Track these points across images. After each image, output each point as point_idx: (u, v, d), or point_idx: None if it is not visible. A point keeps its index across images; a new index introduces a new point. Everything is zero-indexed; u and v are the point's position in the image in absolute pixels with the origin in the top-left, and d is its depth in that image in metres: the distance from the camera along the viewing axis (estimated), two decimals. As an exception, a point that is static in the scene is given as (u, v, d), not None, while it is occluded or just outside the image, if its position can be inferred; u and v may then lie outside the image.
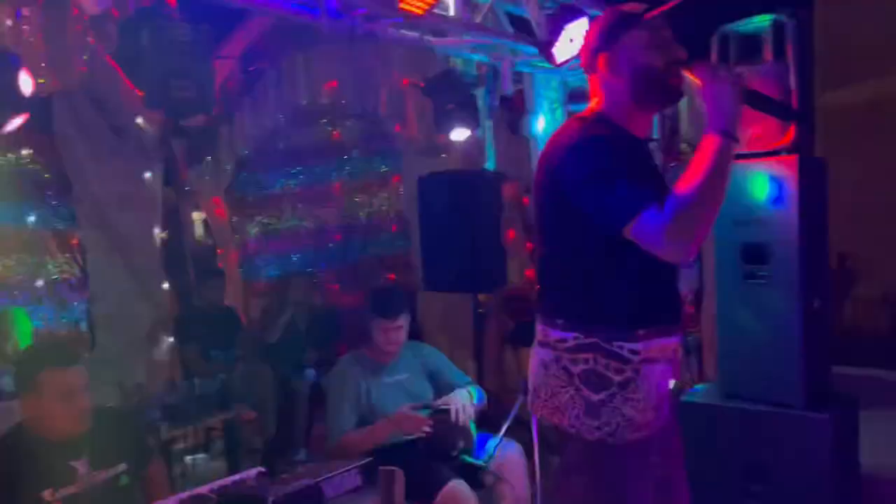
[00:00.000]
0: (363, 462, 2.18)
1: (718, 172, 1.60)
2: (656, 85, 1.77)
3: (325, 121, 5.93)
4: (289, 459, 4.20)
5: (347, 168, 6.16)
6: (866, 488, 3.56)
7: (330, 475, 2.03)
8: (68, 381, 2.24)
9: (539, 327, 1.83)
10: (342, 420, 3.09)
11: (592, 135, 1.74)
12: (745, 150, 3.42)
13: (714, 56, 3.40)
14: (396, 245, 6.40)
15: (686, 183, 1.60)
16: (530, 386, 1.87)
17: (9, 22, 1.86)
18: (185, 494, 2.14)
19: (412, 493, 2.85)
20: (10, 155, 4.42)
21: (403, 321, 3.25)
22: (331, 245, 6.14)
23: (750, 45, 3.43)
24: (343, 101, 5.77)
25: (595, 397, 1.71)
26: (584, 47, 1.89)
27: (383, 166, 6.25)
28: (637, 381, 1.71)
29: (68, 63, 1.85)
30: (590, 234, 1.72)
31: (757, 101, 1.77)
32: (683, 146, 5.54)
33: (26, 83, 1.86)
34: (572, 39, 3.00)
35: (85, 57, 1.88)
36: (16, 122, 1.87)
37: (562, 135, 1.82)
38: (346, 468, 2.12)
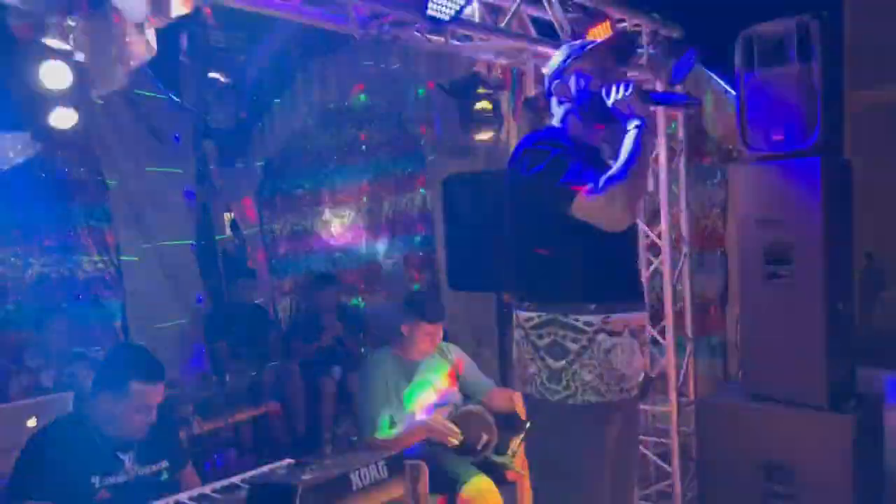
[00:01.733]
0: (389, 455, 2.22)
1: (640, 153, 1.95)
2: (594, 107, 2.08)
3: (351, 123, 6.01)
4: (316, 454, 4.28)
5: (374, 169, 6.23)
6: (890, 489, 3.56)
7: (357, 467, 2.08)
8: (153, 396, 2.38)
9: (514, 313, 2.10)
10: (373, 417, 3.15)
11: (539, 140, 2.08)
12: (769, 153, 3.45)
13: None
14: (422, 245, 6.46)
15: (616, 165, 1.95)
16: (514, 364, 2.13)
17: (55, 31, 1.95)
18: (217, 484, 2.21)
19: (436, 487, 2.91)
20: (50, 156, 4.55)
21: (443, 325, 3.32)
22: (357, 245, 6.21)
23: (774, 47, 3.44)
24: (370, 104, 5.86)
25: (556, 364, 1.97)
26: (546, 76, 2.23)
27: (409, 167, 6.31)
28: (592, 349, 1.96)
29: (111, 69, 1.94)
30: (544, 221, 2.02)
31: (658, 98, 2.18)
32: (709, 146, 5.55)
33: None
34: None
35: (130, 63, 1.96)
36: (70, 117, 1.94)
37: (525, 138, 2.16)
38: (373, 460, 2.16)
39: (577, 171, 1.95)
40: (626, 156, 1.95)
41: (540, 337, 2.01)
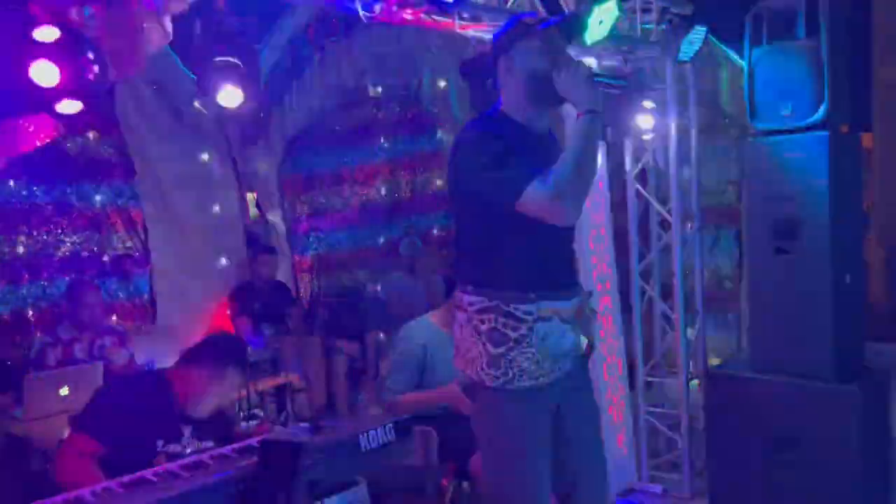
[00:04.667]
0: (398, 419, 2.33)
1: (588, 143, 1.92)
2: (543, 87, 2.01)
3: (369, 102, 6.09)
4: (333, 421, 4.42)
5: (392, 148, 6.32)
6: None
7: (365, 429, 2.18)
8: (238, 387, 2.59)
9: (456, 293, 2.12)
10: (402, 381, 3.24)
11: (483, 130, 2.03)
12: (777, 128, 3.47)
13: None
14: (440, 223, 6.56)
15: (563, 158, 1.91)
16: (455, 345, 2.16)
17: (77, 17, 2.06)
18: (236, 445, 2.34)
19: (448, 453, 3.02)
20: (77, 138, 4.71)
21: None
22: (376, 223, 6.32)
23: (784, 22, 3.45)
24: (387, 83, 5.93)
25: (495, 350, 2.01)
26: (491, 50, 2.14)
27: (426, 146, 6.39)
28: (531, 338, 2.00)
29: (130, 54, 2.04)
30: (487, 212, 2.00)
31: (606, 79, 2.07)
32: (726, 122, 5.54)
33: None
34: (602, 21, 3.08)
35: (146, 48, 2.06)
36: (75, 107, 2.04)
37: (465, 127, 2.11)
38: (382, 423, 2.27)
39: (524, 163, 1.92)
40: (575, 148, 1.91)
41: (481, 322, 2.02)
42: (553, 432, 2.13)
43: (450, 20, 2.96)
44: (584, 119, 1.93)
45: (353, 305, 5.61)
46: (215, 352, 2.59)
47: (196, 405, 2.54)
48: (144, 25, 2.08)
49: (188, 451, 2.49)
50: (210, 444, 2.57)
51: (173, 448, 2.47)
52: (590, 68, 2.00)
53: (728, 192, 5.79)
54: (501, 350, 2.00)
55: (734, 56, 5.16)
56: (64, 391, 3.46)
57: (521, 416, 2.05)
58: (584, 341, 2.18)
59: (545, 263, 2.05)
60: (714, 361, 4.61)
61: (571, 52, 2.20)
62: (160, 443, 2.45)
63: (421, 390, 3.28)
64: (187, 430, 2.53)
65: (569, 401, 2.15)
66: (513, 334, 2.00)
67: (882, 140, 4.60)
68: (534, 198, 1.88)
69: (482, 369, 2.04)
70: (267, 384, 4.34)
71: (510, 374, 2.01)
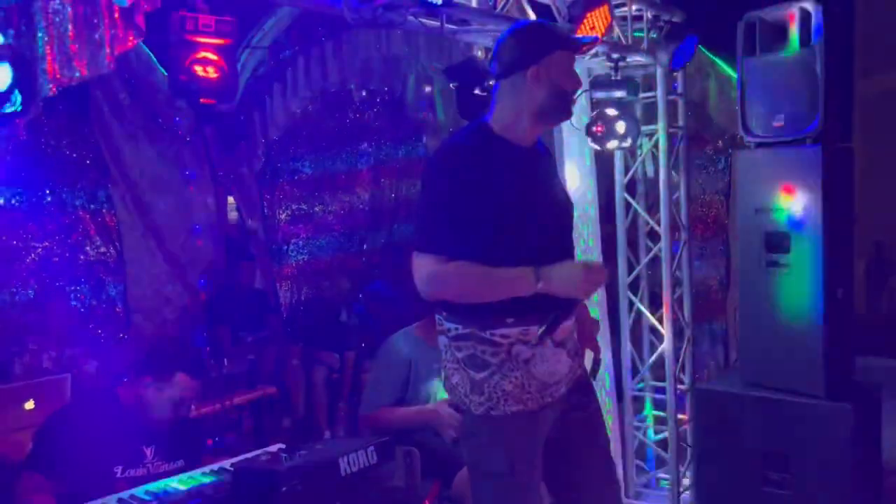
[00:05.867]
0: (380, 440, 2.23)
1: (502, 292, 1.83)
2: (562, 106, 1.93)
3: (353, 107, 5.99)
4: (314, 438, 4.31)
5: (375, 154, 6.22)
6: (892, 479, 3.55)
7: (346, 452, 2.08)
8: (192, 390, 2.42)
9: (435, 317, 2.01)
10: (382, 394, 3.13)
11: (454, 155, 1.90)
12: (769, 139, 3.42)
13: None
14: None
15: (477, 274, 1.82)
16: (440, 370, 2.07)
17: (42, 12, 1.93)
18: (206, 468, 2.22)
19: (431, 472, 2.92)
20: (50, 140, 4.55)
21: None
22: (359, 230, 6.22)
23: (777, 32, 3.40)
24: (371, 88, 5.83)
25: (477, 376, 1.90)
26: (501, 53, 1.96)
27: (410, 152, 6.30)
28: (512, 362, 1.88)
29: (99, 53, 1.93)
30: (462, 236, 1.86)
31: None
32: (713, 133, 5.50)
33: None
34: (594, 27, 3.00)
35: (114, 48, 1.94)
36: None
37: (444, 142, 2.03)
38: (363, 446, 2.17)
39: (448, 230, 1.81)
40: (492, 287, 1.82)
41: (458, 349, 1.92)
42: (555, 462, 2.01)
43: (437, 23, 2.87)
44: (530, 280, 1.81)
45: (335, 315, 5.49)
46: (161, 358, 2.45)
47: (149, 417, 2.38)
48: (117, 21, 1.96)
49: (153, 472, 2.35)
50: (180, 462, 2.44)
51: (134, 472, 2.32)
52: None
53: (714, 203, 5.76)
54: (484, 375, 1.89)
55: (723, 65, 5.12)
56: (29, 405, 3.31)
57: (508, 442, 1.93)
58: (589, 358, 2.07)
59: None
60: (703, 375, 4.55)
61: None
62: (118, 469, 2.30)
63: (404, 405, 3.18)
64: (150, 451, 2.38)
65: (569, 427, 2.03)
66: (493, 360, 1.89)
67: (861, 152, 4.59)
68: (420, 267, 1.84)
69: (466, 395, 1.93)
70: (243, 398, 4.21)
71: (494, 399, 1.90)
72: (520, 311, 1.86)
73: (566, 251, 2.01)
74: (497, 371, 1.89)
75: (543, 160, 2.05)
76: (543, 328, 1.86)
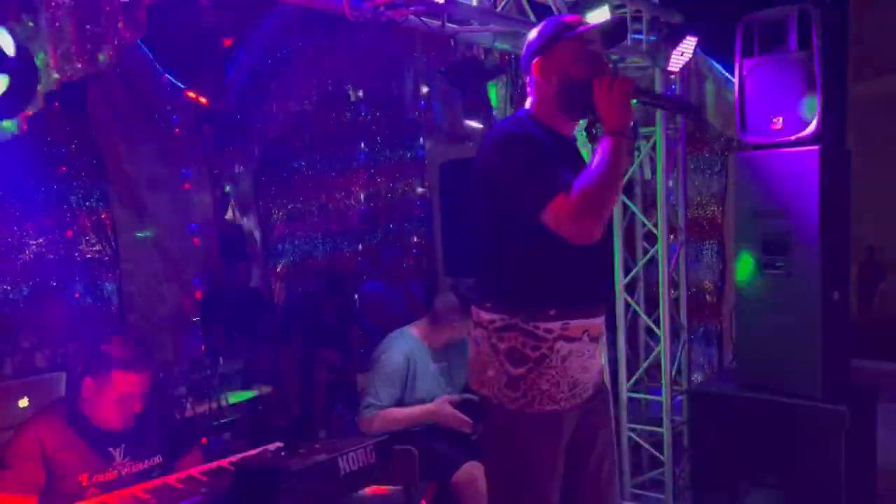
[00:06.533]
0: (379, 440, 2.22)
1: (613, 164, 1.80)
2: (578, 95, 1.92)
3: (350, 107, 5.98)
4: (309, 437, 4.28)
5: (371, 153, 6.21)
6: (885, 481, 3.56)
7: (345, 451, 2.07)
8: (136, 385, 2.30)
9: (473, 309, 2.02)
10: (383, 395, 3.14)
11: (515, 132, 1.91)
12: (767, 141, 3.42)
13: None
14: (419, 230, 6.45)
15: (588, 175, 1.80)
16: (470, 363, 2.05)
17: (44, 5, 1.92)
18: (205, 466, 2.21)
19: (427, 474, 2.91)
20: (46, 136, 4.52)
21: None
22: (355, 229, 6.20)
23: (775, 34, 3.41)
24: (368, 88, 5.82)
25: (515, 371, 1.90)
26: (524, 50, 2.03)
27: (407, 152, 6.29)
28: (552, 358, 1.90)
29: (99, 49, 1.91)
30: (510, 223, 1.90)
31: (650, 99, 2.01)
32: (710, 135, 5.51)
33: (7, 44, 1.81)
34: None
35: (115, 42, 1.93)
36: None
37: (492, 131, 2.00)
38: (362, 445, 2.16)
39: (552, 174, 1.81)
40: (603, 165, 1.79)
41: (500, 340, 1.92)
42: (568, 466, 2.01)
43: (438, 22, 2.87)
44: (612, 141, 1.81)
45: (330, 314, 5.47)
46: (98, 355, 2.34)
47: (99, 418, 2.30)
48: (116, 18, 1.95)
49: (122, 474, 2.30)
50: (157, 459, 2.40)
51: (103, 478, 2.26)
52: (632, 84, 1.86)
53: (710, 205, 5.76)
54: (521, 371, 1.89)
55: (718, 67, 5.13)
56: (23, 403, 3.28)
57: (538, 442, 1.93)
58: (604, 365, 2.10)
59: (572, 276, 1.92)
60: (696, 376, 4.56)
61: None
62: (84, 477, 2.24)
63: (402, 405, 3.18)
64: (117, 452, 2.32)
65: (586, 433, 2.03)
66: (533, 354, 1.89)
67: (853, 155, 4.61)
68: (556, 212, 1.79)
69: (500, 390, 1.93)
70: (239, 398, 4.18)
71: (529, 397, 1.90)
72: (562, 300, 1.90)
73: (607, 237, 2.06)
74: (535, 367, 1.90)
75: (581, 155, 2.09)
76: None
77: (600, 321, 1.99)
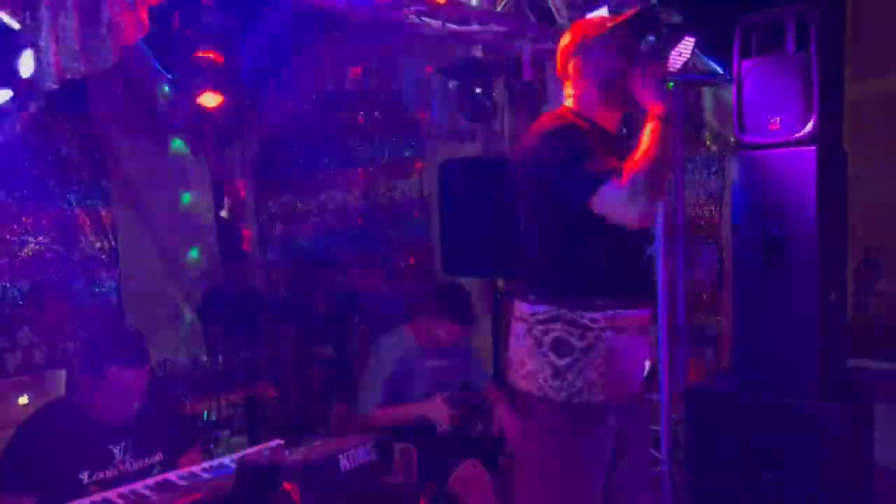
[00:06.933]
0: (379, 437, 2.23)
1: (660, 146, 1.86)
2: (616, 87, 1.98)
3: (349, 106, 5.98)
4: (309, 435, 4.30)
5: (371, 153, 6.21)
6: (882, 481, 3.57)
7: (346, 449, 2.09)
8: (133, 382, 2.30)
9: (515, 304, 2.03)
10: (374, 395, 3.15)
11: (561, 124, 1.97)
12: (765, 142, 3.44)
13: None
14: (418, 230, 6.45)
15: (639, 158, 1.85)
16: (509, 359, 2.06)
17: (43, 5, 1.92)
18: (206, 463, 2.22)
19: (426, 472, 2.93)
20: (46, 135, 4.53)
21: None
22: (353, 229, 6.20)
23: (773, 35, 3.43)
24: (368, 87, 5.82)
25: (560, 362, 1.90)
26: (559, 55, 2.09)
27: (407, 152, 6.29)
28: (598, 347, 1.90)
29: (102, 46, 1.92)
30: (556, 213, 1.93)
31: (682, 78, 2.15)
32: (707, 135, 5.52)
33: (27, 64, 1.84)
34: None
35: (119, 41, 1.93)
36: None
37: (536, 125, 2.04)
38: (362, 443, 2.17)
39: (600, 161, 1.85)
40: (650, 147, 1.85)
41: (544, 332, 1.93)
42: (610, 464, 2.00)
43: (437, 22, 2.88)
44: (659, 125, 1.89)
45: (329, 313, 5.48)
46: (95, 352, 2.37)
47: (97, 415, 2.31)
48: (118, 16, 1.95)
49: (123, 472, 2.31)
50: (158, 456, 2.40)
51: (104, 475, 2.27)
52: (662, 67, 1.96)
53: (707, 205, 5.78)
54: (567, 361, 1.90)
55: (715, 67, 5.14)
56: (23, 400, 3.29)
57: (585, 435, 1.93)
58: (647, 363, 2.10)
59: (618, 268, 1.95)
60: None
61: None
62: (84, 475, 2.25)
63: (397, 403, 3.19)
64: (117, 450, 2.32)
65: (629, 432, 2.03)
66: (579, 344, 1.90)
67: (850, 156, 4.63)
68: (608, 197, 1.82)
69: (545, 381, 1.92)
70: (238, 395, 4.19)
71: (576, 387, 1.90)
72: (610, 290, 1.91)
73: (647, 233, 2.17)
74: (581, 357, 1.90)
75: (628, 148, 2.10)
76: None
77: (646, 314, 2.01)
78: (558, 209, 1.93)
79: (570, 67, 2.05)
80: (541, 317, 1.94)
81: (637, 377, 2.00)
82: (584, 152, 1.86)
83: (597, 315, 1.90)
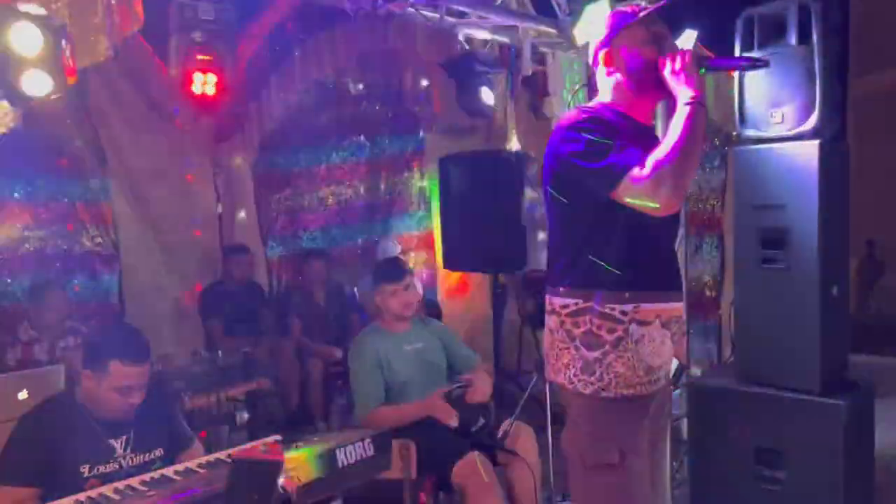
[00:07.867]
0: (376, 433, 2.22)
1: (689, 132, 1.82)
2: (648, 75, 1.95)
3: (349, 100, 5.97)
4: (308, 430, 4.30)
5: (371, 147, 6.20)
6: (883, 476, 3.56)
7: (343, 444, 2.08)
8: (135, 377, 2.30)
9: (547, 297, 2.02)
10: (370, 391, 3.16)
11: (589, 116, 1.95)
12: (767, 136, 3.42)
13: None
14: (418, 224, 6.44)
15: (665, 145, 1.82)
16: (544, 353, 2.05)
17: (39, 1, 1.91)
18: (203, 459, 2.21)
19: (427, 466, 2.92)
20: (46, 128, 4.51)
21: (411, 282, 3.34)
22: (354, 223, 6.20)
23: (775, 28, 3.40)
24: (368, 81, 5.81)
25: (591, 355, 1.90)
26: (593, 48, 2.09)
27: (407, 146, 6.28)
28: (627, 340, 1.89)
29: (96, 42, 1.91)
30: (583, 206, 1.92)
31: (713, 64, 2.03)
32: (709, 129, 5.51)
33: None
34: (593, 20, 3.00)
35: (114, 34, 1.92)
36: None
37: (564, 118, 2.02)
38: (360, 438, 2.16)
39: (622, 151, 1.83)
40: (678, 134, 1.82)
41: (575, 325, 1.92)
42: None
43: (436, 14, 2.86)
44: (686, 108, 1.85)
45: (328, 307, 5.47)
46: (96, 347, 2.35)
47: (99, 410, 2.31)
48: (114, 8, 1.94)
49: (124, 466, 2.31)
50: (159, 451, 2.40)
51: (104, 469, 2.27)
52: (693, 54, 1.90)
53: (709, 199, 5.78)
54: (597, 354, 1.90)
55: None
56: (23, 395, 3.29)
57: (619, 426, 1.92)
58: (674, 362, 2.07)
59: (645, 260, 1.94)
60: (694, 371, 4.56)
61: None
62: (85, 468, 2.24)
63: (390, 394, 3.20)
64: (118, 444, 2.32)
65: (657, 425, 2.04)
66: (608, 337, 1.89)
67: (852, 151, 4.61)
68: (632, 183, 1.80)
69: (575, 375, 1.93)
70: (237, 390, 4.19)
71: (606, 381, 1.90)
72: (635, 282, 1.90)
73: (674, 227, 2.11)
74: (611, 350, 1.90)
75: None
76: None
77: (672, 307, 1.99)
78: (585, 202, 1.92)
79: (602, 58, 2.05)
80: (571, 309, 1.94)
81: (659, 370, 1.98)
82: (605, 144, 1.85)
83: (625, 307, 1.90)
